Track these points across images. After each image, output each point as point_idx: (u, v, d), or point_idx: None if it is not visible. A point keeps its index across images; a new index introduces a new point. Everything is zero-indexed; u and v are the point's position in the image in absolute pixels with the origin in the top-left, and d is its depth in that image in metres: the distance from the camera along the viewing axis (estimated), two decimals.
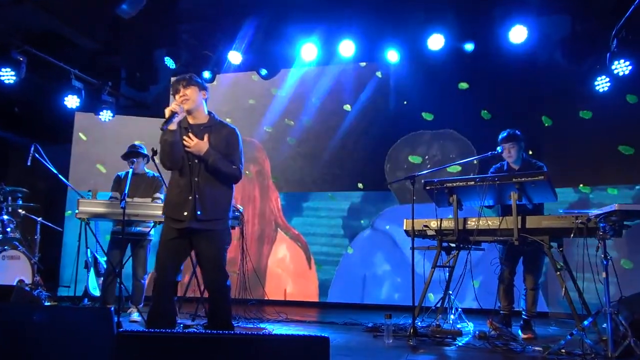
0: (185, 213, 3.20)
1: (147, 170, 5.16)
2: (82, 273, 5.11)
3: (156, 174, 5.08)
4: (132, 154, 5.04)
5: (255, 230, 6.94)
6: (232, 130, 3.39)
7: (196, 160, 3.26)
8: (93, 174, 6.92)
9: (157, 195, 5.06)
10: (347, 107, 6.87)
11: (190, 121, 3.35)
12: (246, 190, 7.07)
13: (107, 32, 6.62)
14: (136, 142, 5.19)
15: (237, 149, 3.36)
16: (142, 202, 4.79)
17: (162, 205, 3.43)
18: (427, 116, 6.52)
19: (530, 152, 5.46)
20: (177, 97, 3.28)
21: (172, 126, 3.18)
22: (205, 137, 3.27)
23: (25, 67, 5.85)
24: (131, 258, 4.94)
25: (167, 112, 3.17)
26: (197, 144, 3.23)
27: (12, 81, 5.80)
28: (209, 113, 3.41)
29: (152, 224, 4.83)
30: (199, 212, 3.19)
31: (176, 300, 3.35)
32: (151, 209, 4.66)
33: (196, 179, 3.24)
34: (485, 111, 6.30)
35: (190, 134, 3.26)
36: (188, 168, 3.27)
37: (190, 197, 3.22)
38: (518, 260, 4.37)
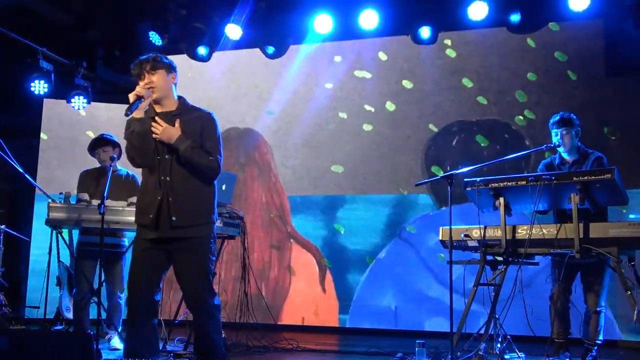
0: (151, 215, 3.25)
1: (119, 168, 5.18)
2: (53, 291, 5.19)
3: (131, 173, 5.13)
4: (104, 141, 5.05)
5: (259, 241, 6.99)
6: (207, 115, 3.44)
7: (167, 156, 3.30)
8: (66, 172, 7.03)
9: (133, 199, 5.07)
10: (371, 88, 6.89)
11: (158, 110, 3.40)
12: (247, 191, 7.13)
13: (80, 2, 6.70)
14: (105, 133, 5.20)
15: (215, 137, 3.40)
16: (119, 206, 4.83)
17: None
18: (483, 100, 6.51)
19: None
20: (141, 82, 3.34)
21: (138, 113, 3.24)
22: (177, 123, 3.32)
23: None
24: (104, 274, 5.01)
25: (131, 97, 3.23)
26: (166, 130, 3.26)
27: None
28: (179, 98, 3.47)
29: (127, 233, 4.91)
30: (173, 218, 3.23)
31: (157, 324, 3.38)
32: (130, 216, 4.69)
33: (167, 177, 3.28)
34: (536, 96, 6.28)
35: (158, 119, 3.31)
36: (157, 164, 3.31)
37: (158, 198, 3.26)
38: (575, 275, 4.35)
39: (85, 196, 5.02)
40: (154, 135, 3.28)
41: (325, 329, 6.54)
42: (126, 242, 5.14)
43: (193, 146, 3.28)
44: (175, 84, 3.45)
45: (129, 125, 3.28)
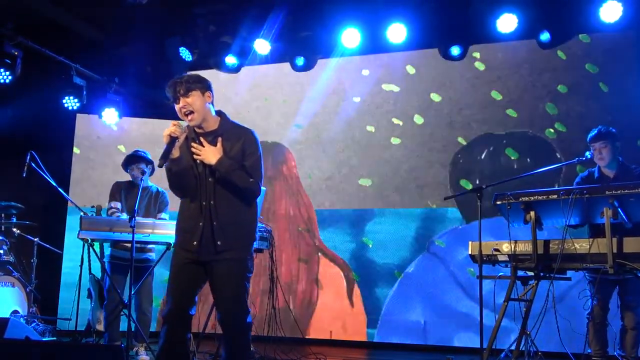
0: (195, 242, 3.22)
1: (150, 184, 5.29)
2: (84, 303, 5.27)
3: (161, 189, 5.22)
4: (137, 158, 5.14)
5: (287, 254, 7.00)
6: (249, 133, 3.37)
7: (210, 179, 3.25)
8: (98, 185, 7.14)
9: (162, 215, 5.19)
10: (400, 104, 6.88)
11: (198, 131, 3.33)
12: (275, 205, 7.15)
13: (112, 19, 6.84)
14: (139, 149, 5.30)
15: (255, 156, 3.33)
16: (151, 221, 4.90)
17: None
18: (512, 113, 6.43)
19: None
20: (177, 106, 3.27)
21: (175, 153, 3.19)
22: (219, 144, 3.26)
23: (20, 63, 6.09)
24: (133, 288, 5.08)
25: (164, 137, 3.15)
26: (207, 151, 3.21)
27: (8, 80, 5.98)
28: (219, 114, 3.40)
29: (154, 247, 5.01)
30: (218, 243, 3.21)
31: (189, 338, 3.40)
32: (159, 229, 4.79)
33: (211, 202, 3.24)
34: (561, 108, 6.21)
35: (202, 140, 3.27)
36: (199, 189, 3.27)
37: (200, 224, 3.22)
38: (612, 292, 4.27)
39: (118, 204, 5.12)
40: (195, 157, 3.24)
41: (353, 344, 6.50)
42: (154, 256, 5.20)
43: (234, 168, 3.23)
44: (212, 102, 3.36)
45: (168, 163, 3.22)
